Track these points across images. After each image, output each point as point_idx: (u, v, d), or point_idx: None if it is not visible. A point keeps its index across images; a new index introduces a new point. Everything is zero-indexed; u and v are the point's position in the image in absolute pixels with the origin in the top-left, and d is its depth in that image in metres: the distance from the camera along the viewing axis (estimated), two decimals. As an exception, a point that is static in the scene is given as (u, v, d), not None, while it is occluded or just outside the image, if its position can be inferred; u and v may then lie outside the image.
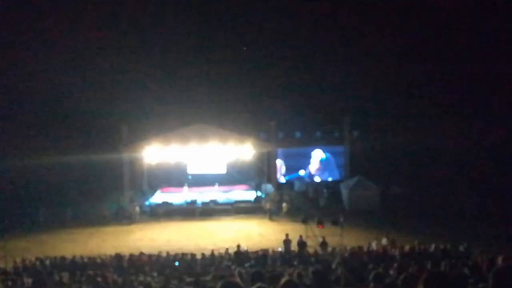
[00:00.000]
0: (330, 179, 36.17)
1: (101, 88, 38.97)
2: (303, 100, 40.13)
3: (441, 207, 29.99)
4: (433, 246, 18.26)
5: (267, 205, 30.96)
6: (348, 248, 19.47)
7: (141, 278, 15.42)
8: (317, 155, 35.98)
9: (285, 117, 37.08)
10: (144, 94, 39.61)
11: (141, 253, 19.04)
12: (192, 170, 37.75)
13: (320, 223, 23.30)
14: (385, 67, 39.32)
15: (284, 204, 30.48)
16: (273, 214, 30.34)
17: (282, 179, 36.12)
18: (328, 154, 35.93)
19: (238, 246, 19.53)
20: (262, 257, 18.53)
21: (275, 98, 40.38)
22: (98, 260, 18.55)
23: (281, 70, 42.08)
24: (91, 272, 16.00)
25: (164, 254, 18.96)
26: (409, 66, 38.93)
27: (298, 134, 36.80)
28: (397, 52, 39.58)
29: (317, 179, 36.14)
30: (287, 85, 41.65)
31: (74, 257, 18.86)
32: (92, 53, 40.29)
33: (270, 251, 19.43)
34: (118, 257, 18.75)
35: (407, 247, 18.31)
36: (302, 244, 20.60)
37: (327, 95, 39.70)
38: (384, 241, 21.04)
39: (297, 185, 37.08)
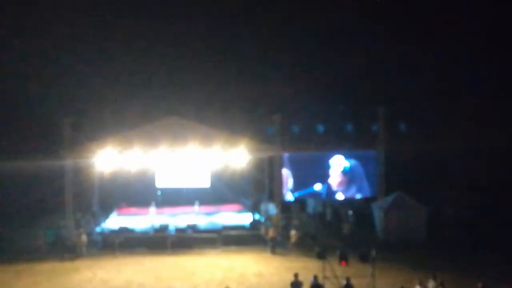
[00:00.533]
0: (358, 196, 36.14)
1: (35, 71, 39.03)
2: (320, 86, 40.31)
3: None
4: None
5: (269, 233, 30.87)
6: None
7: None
8: (339, 162, 35.96)
9: (295, 109, 37.15)
10: (95, 78, 39.68)
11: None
12: (162, 183, 37.74)
13: (343, 258, 23.19)
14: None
15: (292, 232, 30.44)
16: (276, 245, 30.27)
17: (290, 196, 36.07)
18: (354, 162, 35.91)
19: (228, 290, 19.47)
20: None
21: (281, 82, 40.50)
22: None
23: (288, 42, 42.39)
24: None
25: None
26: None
27: (317, 131, 36.90)
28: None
29: (339, 196, 36.11)
30: (298, 64, 41.84)
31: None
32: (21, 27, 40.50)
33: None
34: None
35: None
36: (317, 287, 20.56)
37: (354, 77, 39.93)
38: (431, 284, 20.97)
39: (311, 205, 37.05)
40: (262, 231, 31.56)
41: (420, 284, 20.98)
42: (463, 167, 36.60)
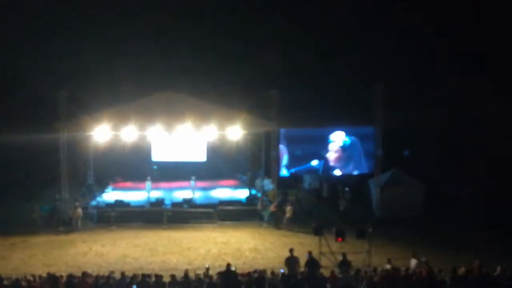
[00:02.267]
0: (355, 172, 36.10)
1: (30, 44, 38.82)
2: (317, 61, 40.23)
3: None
4: (498, 269, 18.26)
5: (265, 209, 30.94)
6: (378, 269, 19.45)
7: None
8: (338, 138, 35.73)
9: (291, 84, 37.02)
10: (90, 51, 39.47)
11: (85, 274, 18.95)
12: (158, 157, 37.70)
13: (339, 234, 23.28)
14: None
15: (288, 207, 30.41)
16: (272, 220, 30.35)
17: (285, 172, 36.04)
18: (354, 138, 35.76)
19: (228, 265, 19.49)
20: (257, 281, 18.47)
21: (277, 57, 40.33)
22: (23, 283, 18.44)
23: (285, 13, 42.27)
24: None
25: (117, 276, 18.87)
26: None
27: (314, 106, 36.80)
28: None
29: (336, 172, 36.04)
30: (295, 37, 41.69)
31: (-11, 278, 18.76)
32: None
33: (268, 273, 19.37)
34: (52, 279, 18.61)
35: (462, 270, 18.32)
36: (313, 263, 20.56)
37: (351, 53, 39.84)
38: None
39: (307, 181, 37.06)
40: (259, 206, 31.61)
41: (414, 256, 21.07)
42: (465, 142, 36.62)
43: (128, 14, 42.10)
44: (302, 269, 20.34)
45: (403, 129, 36.51)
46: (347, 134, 35.62)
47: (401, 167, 33.33)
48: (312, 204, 33.39)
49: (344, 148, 35.41)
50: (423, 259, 20.19)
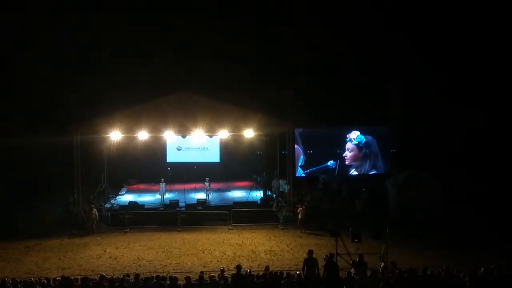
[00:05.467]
0: (372, 172, 36.00)
1: (41, 44, 39.02)
2: (333, 59, 40.16)
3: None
4: (519, 270, 18.16)
5: (281, 210, 30.91)
6: (395, 271, 19.39)
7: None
8: (355, 137, 35.70)
9: (307, 83, 36.97)
10: (103, 52, 39.59)
11: (100, 277, 19.04)
12: (172, 158, 37.85)
13: (356, 236, 23.19)
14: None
15: (299, 208, 30.28)
16: (288, 222, 30.32)
17: (300, 173, 36.07)
18: (370, 137, 35.68)
19: (238, 267, 19.49)
20: (273, 283, 18.47)
21: (292, 55, 40.27)
22: (38, 286, 18.55)
23: (300, 12, 42.25)
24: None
25: (132, 278, 18.96)
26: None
27: (329, 106, 36.76)
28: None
29: (353, 172, 36.00)
30: (310, 36, 41.63)
31: (2, 281, 18.88)
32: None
33: (284, 275, 19.37)
34: (67, 281, 18.73)
35: (481, 270, 18.20)
36: (331, 265, 20.46)
37: (368, 51, 39.77)
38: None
39: (323, 182, 37.01)
40: (274, 208, 31.61)
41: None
42: (482, 143, 36.42)
43: (141, 13, 42.18)
44: (321, 271, 20.29)
45: (421, 128, 36.35)
46: (364, 133, 35.61)
47: (418, 166, 33.13)
48: (328, 205, 33.21)
49: (360, 147, 35.40)
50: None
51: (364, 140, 35.58)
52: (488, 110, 36.73)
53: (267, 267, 20.08)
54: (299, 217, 29.98)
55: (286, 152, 33.74)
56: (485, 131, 36.57)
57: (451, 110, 37.15)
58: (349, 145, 35.62)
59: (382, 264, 20.95)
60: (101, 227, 30.37)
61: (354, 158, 35.69)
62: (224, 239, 28.22)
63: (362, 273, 19.49)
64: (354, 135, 35.62)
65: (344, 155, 35.61)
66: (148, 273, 20.84)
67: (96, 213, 30.14)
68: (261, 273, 19.49)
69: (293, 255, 25.15)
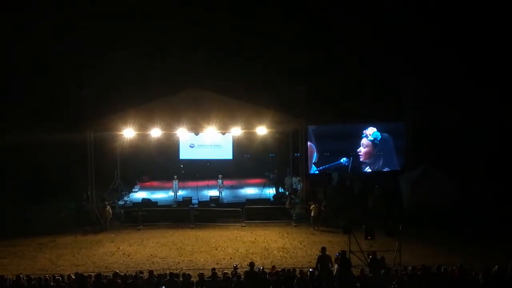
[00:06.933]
0: (386, 169, 35.85)
1: (49, 40, 39.16)
2: (347, 54, 40.06)
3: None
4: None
5: (294, 207, 30.93)
6: (409, 268, 19.37)
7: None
8: (371, 133, 35.51)
9: (320, 79, 36.89)
10: (116, 49, 39.67)
11: (114, 274, 19.16)
12: (185, 155, 37.94)
13: (369, 233, 23.16)
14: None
15: (311, 205, 30.31)
16: (301, 219, 30.36)
17: (314, 170, 36.02)
18: (386, 134, 35.51)
19: (251, 264, 19.54)
20: (285, 280, 18.50)
21: (305, 51, 40.19)
22: (52, 283, 18.70)
23: (312, 7, 42.16)
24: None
25: (145, 275, 19.05)
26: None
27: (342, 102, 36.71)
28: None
29: (366, 169, 35.86)
30: (322, 32, 41.53)
31: (17, 278, 19.04)
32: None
33: (298, 272, 19.41)
34: (80, 278, 18.85)
35: (495, 268, 18.14)
36: (345, 262, 20.46)
37: (379, 46, 39.64)
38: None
39: (336, 178, 36.98)
40: (287, 205, 31.64)
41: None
42: (496, 137, 36.22)
43: (152, 9, 42.14)
44: (334, 268, 20.32)
45: (435, 124, 36.17)
46: (378, 130, 35.47)
47: (432, 163, 33.01)
48: (341, 202, 33.17)
49: (375, 144, 35.25)
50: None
51: (380, 136, 35.41)
52: (503, 104, 36.42)
53: (273, 267, 20.06)
54: (312, 214, 30.01)
55: (298, 154, 33.75)
56: (501, 126, 36.28)
57: (465, 106, 36.89)
58: (364, 141, 35.41)
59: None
60: (115, 224, 30.56)
61: (368, 155, 35.50)
62: (237, 236, 28.30)
63: (376, 271, 19.52)
64: (371, 131, 35.43)
65: (358, 150, 35.40)
66: (161, 270, 20.95)
67: (110, 210, 30.34)
68: (274, 271, 19.51)
69: (306, 252, 25.18)
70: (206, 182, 36.25)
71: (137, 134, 32.13)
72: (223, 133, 33.94)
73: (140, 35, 41.37)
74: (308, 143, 34.68)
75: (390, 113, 36.34)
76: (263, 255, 24.78)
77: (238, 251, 25.57)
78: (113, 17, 40.87)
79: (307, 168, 34.26)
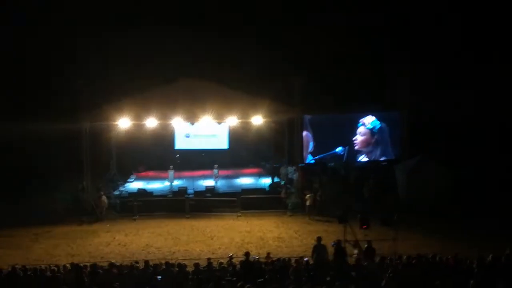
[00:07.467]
0: (382, 158, 35.83)
1: (52, 34, 39.08)
2: (342, 45, 40.00)
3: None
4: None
5: (289, 197, 30.96)
6: (403, 257, 19.45)
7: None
8: (370, 122, 35.37)
9: (315, 69, 36.83)
10: (111, 39, 39.57)
11: (109, 264, 19.19)
12: (180, 145, 37.91)
13: (364, 222, 23.22)
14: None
15: (307, 195, 30.41)
16: (297, 208, 30.41)
17: (309, 159, 36.01)
18: (385, 124, 35.42)
19: (247, 254, 19.59)
20: (281, 270, 18.54)
21: (300, 42, 40.13)
22: (48, 273, 18.72)
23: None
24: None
25: (141, 265, 19.08)
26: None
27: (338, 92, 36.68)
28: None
29: (362, 158, 35.81)
30: (320, 22, 41.45)
31: (12, 268, 19.06)
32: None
33: (293, 261, 19.46)
34: (76, 269, 18.88)
35: (489, 257, 18.21)
36: (340, 251, 20.53)
37: (375, 35, 39.60)
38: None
39: (332, 168, 36.98)
40: (282, 194, 31.68)
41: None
42: (493, 127, 36.28)
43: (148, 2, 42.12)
44: (330, 257, 20.38)
45: (431, 114, 36.20)
46: (378, 119, 35.34)
47: (428, 153, 33.04)
48: (337, 192, 33.19)
49: (373, 133, 35.13)
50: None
51: (379, 125, 35.33)
52: (499, 95, 36.49)
53: (269, 256, 20.13)
54: (307, 203, 30.06)
55: (294, 144, 33.78)
56: (496, 117, 36.35)
57: (461, 96, 36.90)
58: (361, 129, 35.24)
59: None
60: (110, 214, 30.57)
61: (365, 143, 35.35)
62: (232, 226, 28.38)
63: (371, 260, 19.60)
64: (369, 120, 35.30)
65: (354, 139, 35.27)
66: (157, 260, 20.96)
67: (105, 200, 30.36)
68: (269, 260, 19.56)
69: (301, 241, 25.25)
70: (201, 172, 36.26)
71: (133, 124, 32.09)
72: (219, 123, 33.93)
73: (134, 23, 41.20)
74: (304, 132, 34.61)
75: (387, 102, 36.33)
76: (258, 245, 24.84)
77: (233, 241, 25.62)
78: (108, 5, 40.74)
79: (302, 158, 34.27)
